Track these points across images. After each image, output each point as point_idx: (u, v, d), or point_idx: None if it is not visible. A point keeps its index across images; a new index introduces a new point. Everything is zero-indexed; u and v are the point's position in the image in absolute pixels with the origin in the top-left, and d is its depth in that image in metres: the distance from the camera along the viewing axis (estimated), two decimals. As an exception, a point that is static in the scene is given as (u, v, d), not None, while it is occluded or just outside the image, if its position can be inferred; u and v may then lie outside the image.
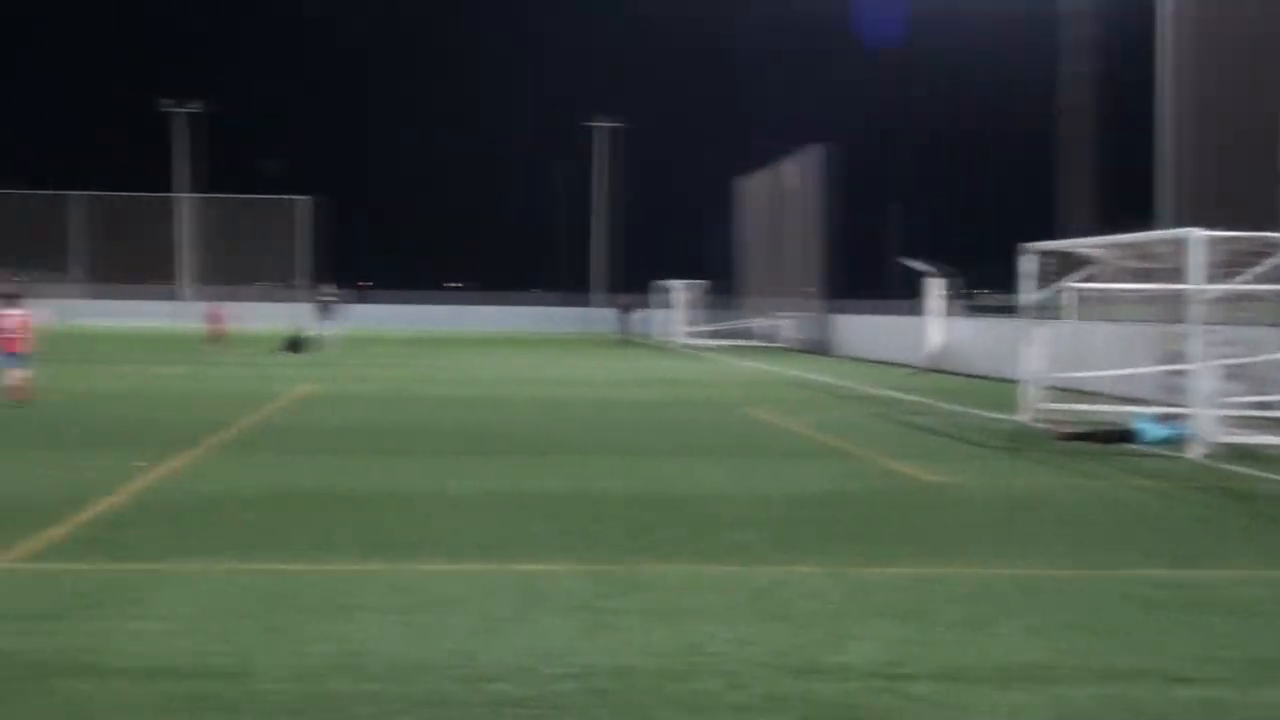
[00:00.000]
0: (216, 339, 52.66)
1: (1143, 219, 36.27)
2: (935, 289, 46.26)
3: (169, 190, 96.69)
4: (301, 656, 8.35)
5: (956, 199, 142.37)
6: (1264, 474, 18.12)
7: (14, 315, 25.29)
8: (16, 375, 24.91)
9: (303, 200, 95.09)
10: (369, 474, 16.71)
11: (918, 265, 48.14)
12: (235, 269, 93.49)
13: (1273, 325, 25.04)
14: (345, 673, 8.03)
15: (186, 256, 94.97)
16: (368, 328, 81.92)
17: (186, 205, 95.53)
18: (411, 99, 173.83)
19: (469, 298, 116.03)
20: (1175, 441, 20.94)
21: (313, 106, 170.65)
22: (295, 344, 50.95)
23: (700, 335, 69.29)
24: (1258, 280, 22.49)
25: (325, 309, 54.01)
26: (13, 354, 24.95)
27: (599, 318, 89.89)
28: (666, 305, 74.70)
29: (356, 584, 10.40)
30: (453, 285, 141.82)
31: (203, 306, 58.29)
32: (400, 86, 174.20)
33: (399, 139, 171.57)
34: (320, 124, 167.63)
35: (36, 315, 27.00)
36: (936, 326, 45.87)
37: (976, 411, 27.58)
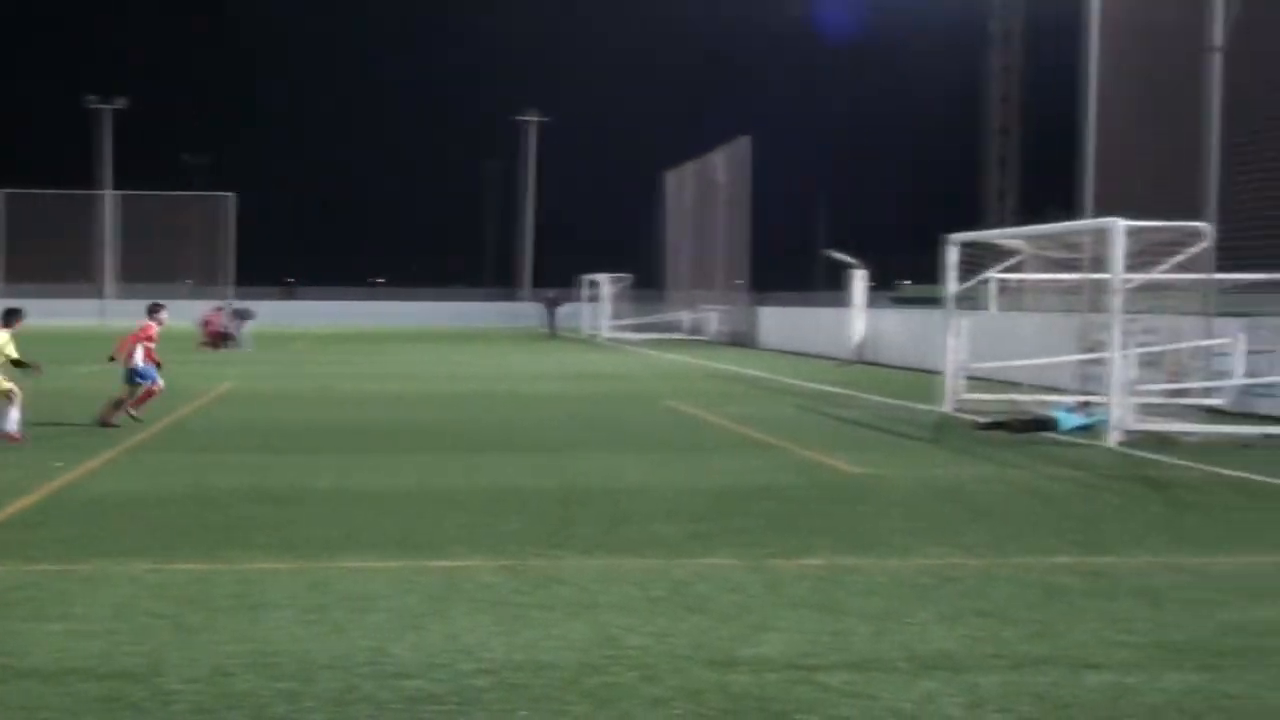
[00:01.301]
0: (211, 342, 51.62)
1: (1066, 210, 36.58)
2: (859, 281, 46.44)
3: (89, 188, 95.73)
4: (213, 656, 8.29)
5: (882, 191, 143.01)
6: (1180, 461, 18.34)
7: None
8: None
9: (227, 196, 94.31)
10: (286, 471, 16.65)
11: (841, 257, 48.33)
12: (158, 267, 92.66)
13: (1191, 314, 25.29)
14: (258, 671, 7.99)
15: (110, 255, 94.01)
16: (292, 324, 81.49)
17: (110, 202, 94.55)
18: (339, 94, 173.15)
19: (395, 294, 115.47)
20: (1090, 429, 21.19)
21: (239, 102, 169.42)
22: (222, 340, 50.69)
23: (625, 329, 69.30)
24: (1176, 270, 22.74)
25: (239, 307, 53.81)
26: None
27: (525, 312, 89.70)
28: (592, 299, 74.68)
29: (271, 582, 10.34)
30: (378, 281, 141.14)
31: (200, 309, 56.98)
32: (327, 81, 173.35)
33: (326, 134, 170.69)
34: (245, 119, 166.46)
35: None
36: (860, 319, 46.06)
37: (899, 403, 27.73)
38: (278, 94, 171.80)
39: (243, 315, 53.49)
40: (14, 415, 19.92)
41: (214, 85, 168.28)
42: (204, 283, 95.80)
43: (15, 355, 20.46)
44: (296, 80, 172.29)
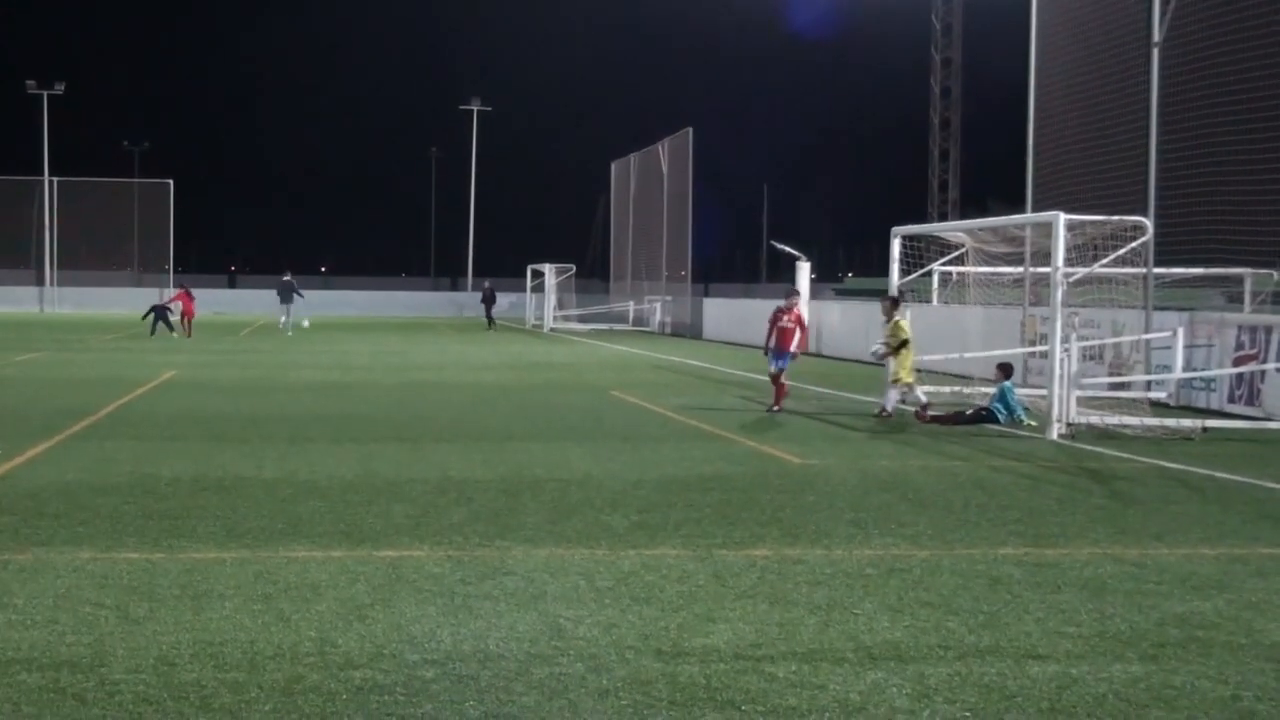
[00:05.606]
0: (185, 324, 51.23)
1: (1008, 204, 36.78)
2: (803, 273, 46.56)
3: (27, 174, 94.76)
4: (158, 646, 8.24)
5: (830, 183, 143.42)
6: (1121, 454, 18.46)
7: None
8: None
9: (166, 183, 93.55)
10: (229, 461, 16.52)
11: (787, 249, 48.46)
12: (99, 253, 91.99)
13: (1131, 308, 25.50)
14: (204, 662, 7.94)
15: (50, 242, 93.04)
16: (235, 311, 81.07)
17: (48, 188, 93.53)
18: (287, 84, 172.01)
19: (339, 282, 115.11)
20: (1016, 416, 21.48)
21: (179, 88, 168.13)
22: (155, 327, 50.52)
23: (570, 319, 69.24)
24: (1117, 264, 22.91)
25: (286, 293, 55.42)
26: None
27: (470, 302, 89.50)
28: (537, 289, 74.57)
29: (216, 571, 10.29)
30: (322, 269, 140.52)
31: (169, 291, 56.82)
32: (270, 69, 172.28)
33: (271, 122, 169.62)
34: (186, 106, 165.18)
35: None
36: (804, 310, 46.11)
37: (843, 394, 27.84)
38: (219, 80, 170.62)
39: (288, 292, 55.46)
40: (893, 395, 23.13)
41: (154, 71, 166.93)
42: (144, 270, 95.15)
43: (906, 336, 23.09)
44: (238, 68, 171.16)
